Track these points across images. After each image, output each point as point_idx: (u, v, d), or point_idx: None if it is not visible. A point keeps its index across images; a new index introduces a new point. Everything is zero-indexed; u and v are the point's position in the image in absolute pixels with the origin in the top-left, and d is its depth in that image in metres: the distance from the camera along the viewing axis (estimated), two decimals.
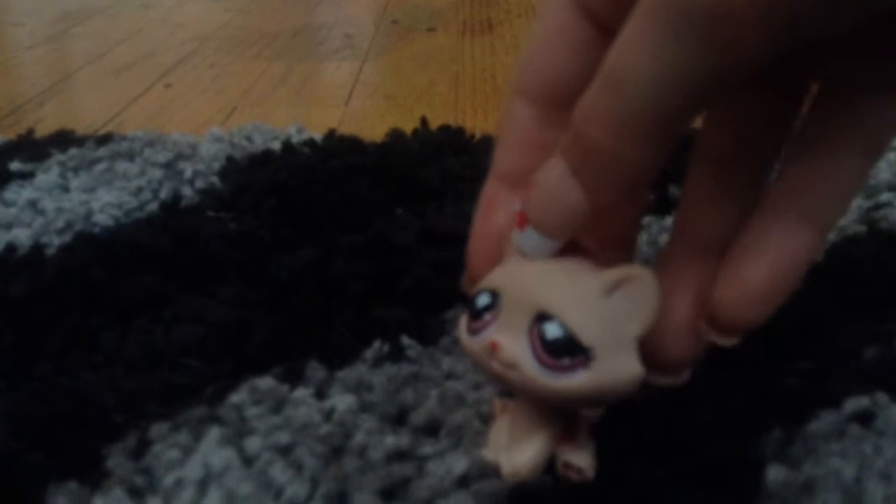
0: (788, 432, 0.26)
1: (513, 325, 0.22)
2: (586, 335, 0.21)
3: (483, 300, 0.23)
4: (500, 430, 0.26)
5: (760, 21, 0.16)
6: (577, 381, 0.21)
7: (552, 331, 0.21)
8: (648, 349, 0.22)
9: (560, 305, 0.21)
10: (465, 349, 0.24)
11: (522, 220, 0.22)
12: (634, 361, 0.22)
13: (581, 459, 0.24)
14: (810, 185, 0.22)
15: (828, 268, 0.37)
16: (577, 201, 0.21)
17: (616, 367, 0.21)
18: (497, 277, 0.23)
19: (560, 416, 0.24)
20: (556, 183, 0.21)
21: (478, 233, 0.25)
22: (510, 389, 0.24)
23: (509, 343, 0.22)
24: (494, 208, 0.25)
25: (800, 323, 0.32)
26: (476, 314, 0.23)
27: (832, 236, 0.40)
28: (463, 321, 0.24)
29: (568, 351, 0.21)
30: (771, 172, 0.23)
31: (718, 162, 0.23)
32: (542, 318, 0.21)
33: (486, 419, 0.28)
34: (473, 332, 0.23)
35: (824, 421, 0.26)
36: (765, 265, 0.22)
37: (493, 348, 0.22)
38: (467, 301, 0.24)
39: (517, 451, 0.24)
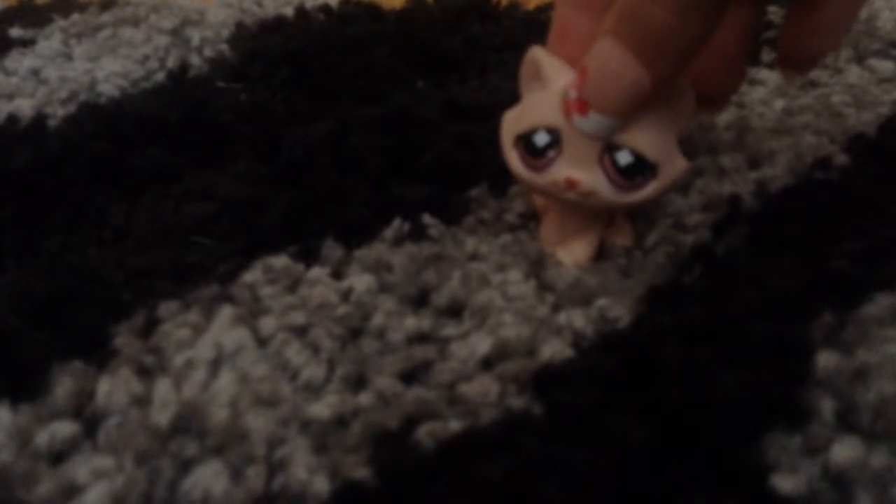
0: (840, 316, 0.24)
1: (582, 159, 0.25)
2: (652, 153, 0.25)
3: (542, 138, 0.25)
4: (549, 226, 0.29)
5: None
6: (647, 192, 0.25)
7: (624, 158, 0.25)
8: (699, 87, 0.25)
9: (624, 134, 0.24)
10: (529, 184, 0.27)
11: (584, 107, 0.24)
12: (681, 158, 0.26)
13: (623, 239, 0.29)
14: None
15: (879, 142, 0.35)
16: (639, 78, 0.22)
17: (673, 169, 0.25)
18: (548, 115, 0.25)
19: (606, 212, 0.28)
20: (616, 64, 0.23)
21: None
22: (582, 207, 0.27)
23: (584, 176, 0.25)
24: (568, 35, 0.26)
25: (847, 201, 0.30)
26: (537, 152, 0.26)
27: (885, 109, 0.37)
28: (515, 157, 0.26)
29: (640, 171, 0.25)
30: None
31: None
32: (610, 148, 0.25)
33: (512, 299, 0.26)
34: (536, 168, 0.26)
35: (879, 304, 0.24)
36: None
37: (571, 185, 0.25)
38: (523, 139, 0.26)
39: (573, 245, 0.28)
